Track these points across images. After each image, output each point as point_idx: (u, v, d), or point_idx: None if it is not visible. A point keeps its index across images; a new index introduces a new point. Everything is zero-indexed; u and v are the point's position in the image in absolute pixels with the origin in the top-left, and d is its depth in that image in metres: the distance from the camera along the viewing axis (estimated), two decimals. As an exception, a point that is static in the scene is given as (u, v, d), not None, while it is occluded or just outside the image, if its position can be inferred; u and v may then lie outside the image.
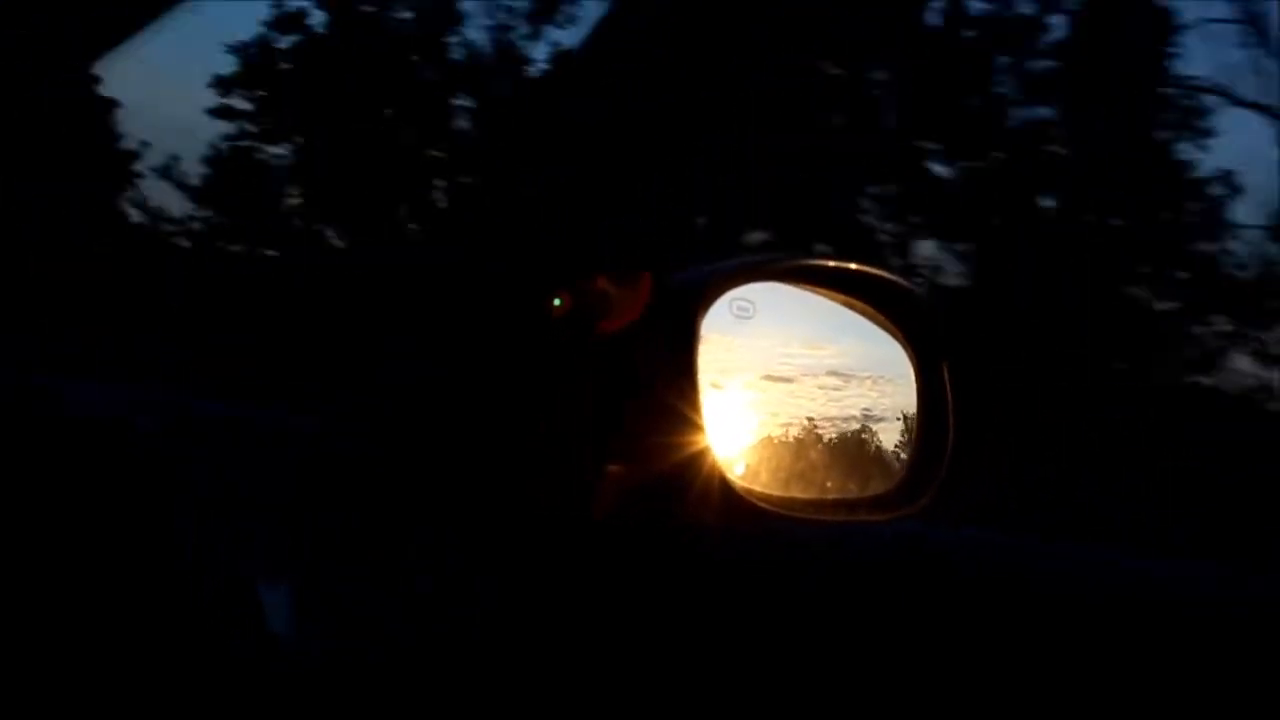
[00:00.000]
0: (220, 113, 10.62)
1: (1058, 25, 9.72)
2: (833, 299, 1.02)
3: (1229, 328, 9.36)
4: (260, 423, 1.22)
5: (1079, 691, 1.04)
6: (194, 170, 10.55)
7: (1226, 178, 9.55)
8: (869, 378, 1.10)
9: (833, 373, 1.09)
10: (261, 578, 0.93)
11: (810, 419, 1.06)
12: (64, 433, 1.19)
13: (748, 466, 1.00)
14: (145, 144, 10.15)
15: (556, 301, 0.95)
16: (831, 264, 1.00)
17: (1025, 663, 1.06)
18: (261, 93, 10.50)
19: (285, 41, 10.50)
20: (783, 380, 1.07)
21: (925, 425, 1.01)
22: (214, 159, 10.61)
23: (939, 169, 9.73)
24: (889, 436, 1.07)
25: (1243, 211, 9.58)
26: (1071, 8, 9.77)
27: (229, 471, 1.13)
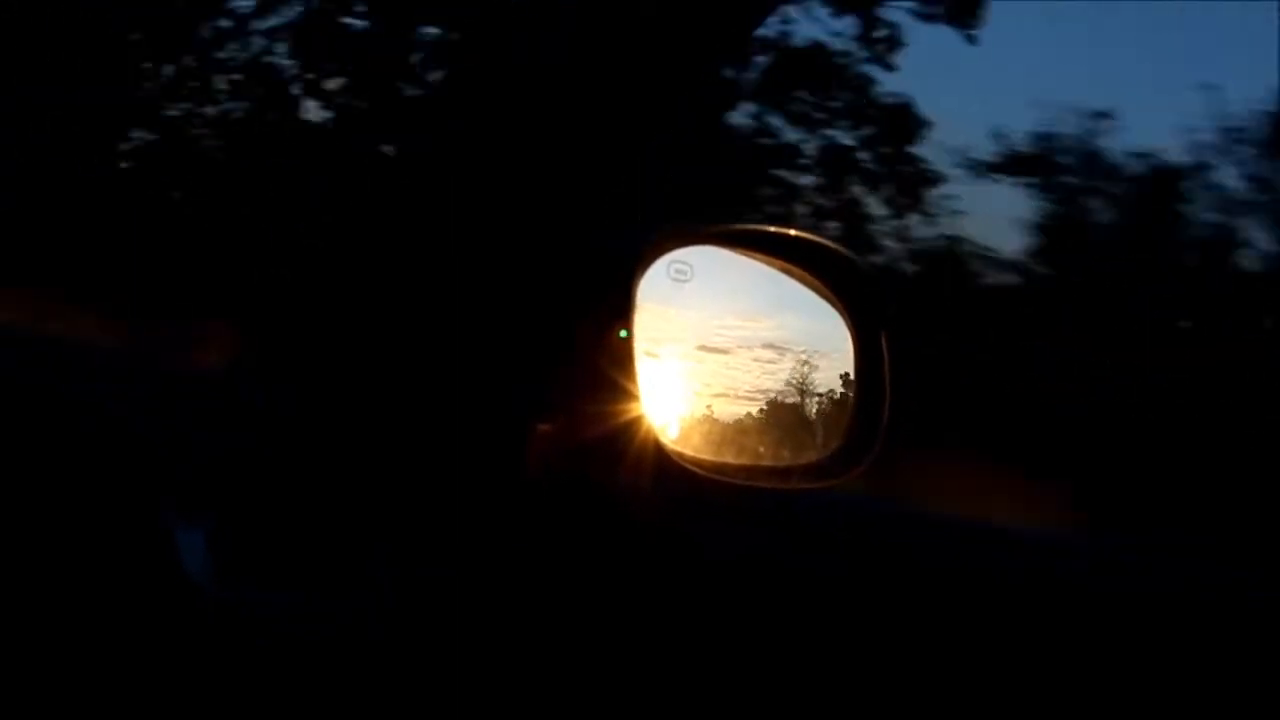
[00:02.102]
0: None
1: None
2: (771, 265, 1.01)
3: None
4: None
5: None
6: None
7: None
8: (804, 351, 1.09)
9: (768, 345, 1.08)
10: (180, 521, 0.89)
11: (745, 390, 1.05)
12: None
13: (681, 432, 0.99)
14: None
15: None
16: (772, 230, 0.98)
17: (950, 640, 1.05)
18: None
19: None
20: (718, 351, 1.06)
21: (862, 394, 1.00)
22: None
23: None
24: (821, 409, 1.06)
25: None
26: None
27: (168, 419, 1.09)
